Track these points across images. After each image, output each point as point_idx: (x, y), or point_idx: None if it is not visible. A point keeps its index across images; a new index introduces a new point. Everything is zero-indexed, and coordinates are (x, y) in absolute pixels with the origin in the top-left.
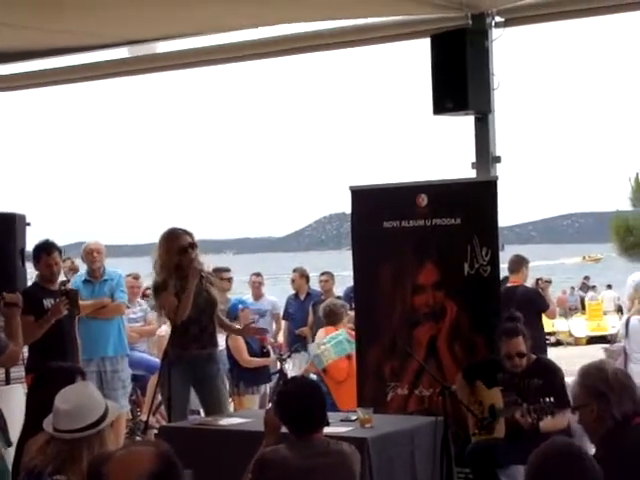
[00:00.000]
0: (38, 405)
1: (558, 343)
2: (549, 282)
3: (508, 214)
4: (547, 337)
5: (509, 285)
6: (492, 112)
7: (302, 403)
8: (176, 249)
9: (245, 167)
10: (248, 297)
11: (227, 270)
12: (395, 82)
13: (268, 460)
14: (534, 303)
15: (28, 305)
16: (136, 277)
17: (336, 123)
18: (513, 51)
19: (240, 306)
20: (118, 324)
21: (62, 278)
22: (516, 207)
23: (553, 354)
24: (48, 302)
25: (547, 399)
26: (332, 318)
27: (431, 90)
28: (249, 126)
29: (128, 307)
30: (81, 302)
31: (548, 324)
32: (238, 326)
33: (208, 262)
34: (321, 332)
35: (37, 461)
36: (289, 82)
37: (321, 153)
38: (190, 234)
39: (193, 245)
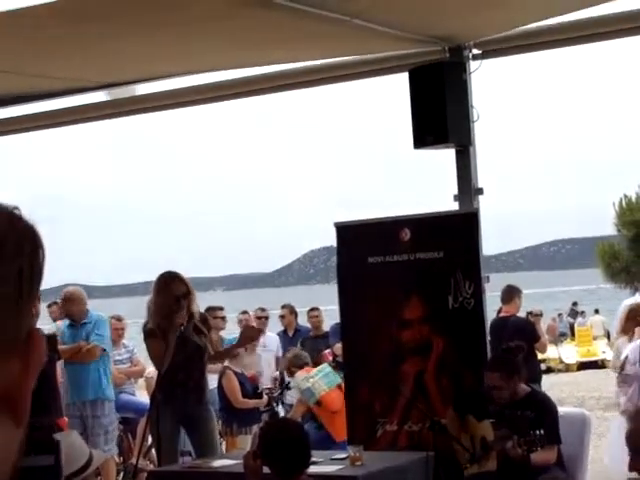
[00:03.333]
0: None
1: (549, 370)
2: (540, 315)
3: (495, 243)
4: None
5: (501, 315)
6: (473, 144)
7: (285, 445)
8: (169, 296)
9: (232, 202)
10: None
11: (220, 309)
12: (376, 117)
13: None
14: (526, 333)
15: None
16: (119, 319)
17: (318, 158)
18: (493, 82)
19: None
20: (98, 368)
21: (48, 325)
22: (502, 236)
23: (545, 381)
24: None
25: (538, 432)
26: (300, 362)
27: (411, 124)
28: (232, 161)
29: (104, 350)
30: (60, 347)
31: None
32: (227, 364)
33: (199, 301)
34: (301, 372)
35: None
36: (274, 118)
37: (306, 187)
38: (185, 281)
39: (186, 294)
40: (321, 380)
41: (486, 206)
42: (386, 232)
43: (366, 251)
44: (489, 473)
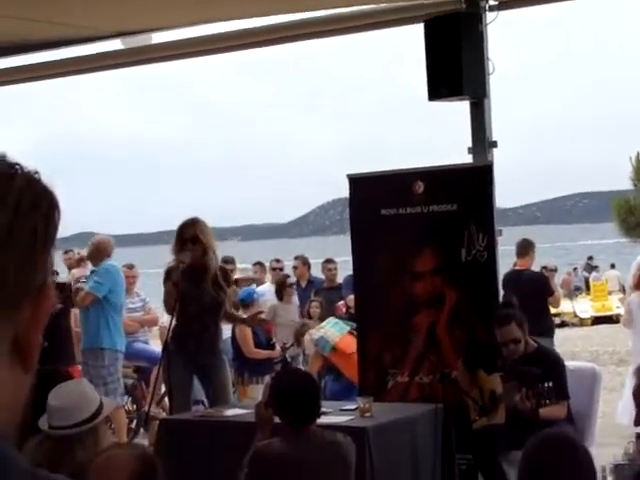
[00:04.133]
0: (28, 407)
1: (563, 324)
2: (554, 270)
3: (512, 196)
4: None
5: (515, 269)
6: (487, 97)
7: (296, 395)
8: (181, 240)
9: (248, 152)
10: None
11: (231, 262)
12: (390, 68)
13: (262, 454)
14: (540, 287)
15: None
16: (130, 267)
17: (334, 109)
18: (509, 34)
19: (255, 296)
20: (97, 316)
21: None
22: (520, 189)
23: (559, 335)
24: None
25: (547, 384)
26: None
27: (425, 76)
28: (252, 112)
29: (97, 297)
30: None
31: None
32: (244, 315)
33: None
34: (308, 339)
35: (32, 459)
36: (290, 68)
37: (321, 138)
38: (195, 226)
39: (195, 239)
40: (332, 328)
41: (502, 159)
42: (399, 184)
43: (379, 203)
44: (498, 426)
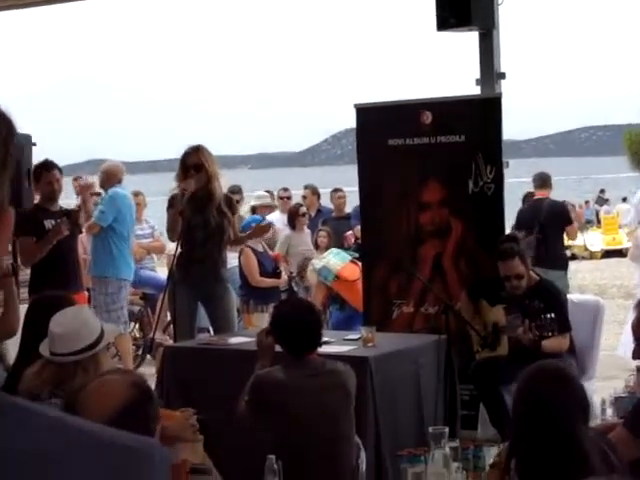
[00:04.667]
0: (30, 332)
1: (573, 257)
2: (572, 206)
3: (525, 128)
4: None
5: (537, 197)
6: (497, 28)
7: (297, 324)
8: (184, 167)
9: (260, 83)
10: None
11: (237, 191)
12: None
13: (263, 382)
14: (560, 216)
15: (29, 226)
16: (137, 194)
17: (344, 40)
18: None
19: (253, 224)
20: (99, 243)
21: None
22: (534, 121)
23: (569, 268)
24: (49, 223)
25: (549, 316)
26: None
27: (434, 5)
28: (263, 43)
29: (101, 226)
30: None
31: None
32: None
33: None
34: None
35: (33, 385)
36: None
37: (331, 70)
38: (199, 153)
39: (199, 167)
40: (334, 258)
41: (516, 91)
42: (407, 115)
43: (386, 133)
44: (500, 357)
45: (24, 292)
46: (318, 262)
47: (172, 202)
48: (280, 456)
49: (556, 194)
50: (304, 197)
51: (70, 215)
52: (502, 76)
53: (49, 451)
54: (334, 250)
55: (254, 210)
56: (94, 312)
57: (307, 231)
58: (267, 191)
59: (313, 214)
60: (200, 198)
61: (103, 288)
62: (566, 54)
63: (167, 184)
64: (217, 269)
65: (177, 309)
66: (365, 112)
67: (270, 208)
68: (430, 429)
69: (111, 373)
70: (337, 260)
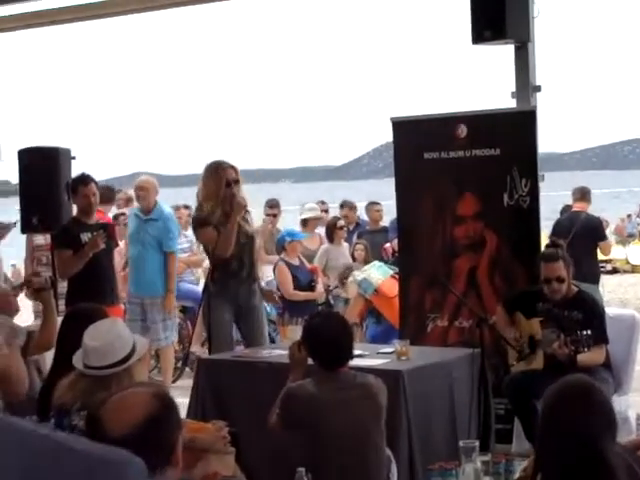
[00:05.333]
0: (65, 343)
1: (615, 271)
2: (607, 222)
3: (568, 141)
4: (603, 265)
5: (574, 210)
6: (532, 41)
7: (330, 337)
8: (224, 181)
9: (302, 97)
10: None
11: (276, 205)
12: (434, 12)
13: (295, 395)
14: (594, 231)
15: (66, 240)
16: (186, 207)
17: (382, 54)
18: None
19: (287, 238)
20: (155, 262)
21: (118, 211)
22: (576, 133)
23: (609, 282)
24: (85, 236)
25: (585, 332)
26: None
27: (470, 19)
28: (304, 57)
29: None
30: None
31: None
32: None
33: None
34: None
35: (66, 397)
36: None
37: (371, 84)
38: (235, 169)
39: (237, 181)
40: (376, 271)
41: (558, 103)
42: (442, 128)
43: (422, 147)
44: (535, 371)
45: (63, 304)
46: (359, 274)
47: (202, 220)
48: (310, 469)
49: (597, 207)
50: (345, 217)
51: (106, 228)
52: (538, 89)
53: (35, 467)
54: (377, 263)
55: (305, 223)
56: (151, 324)
57: (345, 244)
58: (320, 202)
59: (352, 227)
60: (230, 211)
61: (156, 302)
62: (608, 66)
63: None
64: (252, 281)
65: (214, 322)
66: (401, 126)
67: (321, 220)
68: (461, 443)
69: (134, 386)
70: (379, 274)
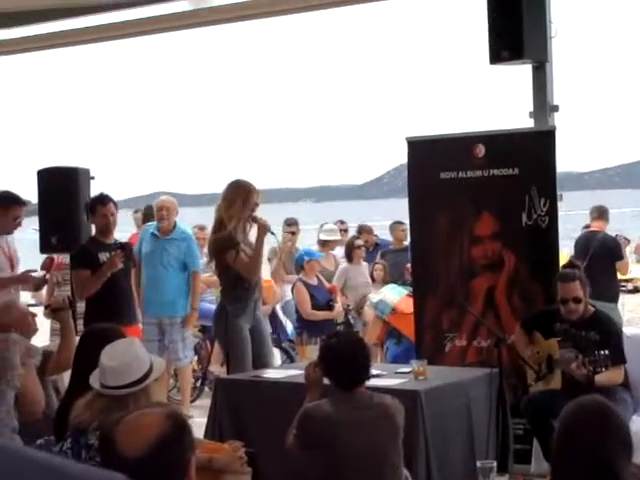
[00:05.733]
0: (82, 363)
1: (636, 290)
2: (627, 241)
3: (588, 160)
4: (624, 284)
5: (591, 229)
6: (550, 61)
7: (345, 357)
8: (252, 202)
9: (324, 115)
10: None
11: (294, 223)
12: (452, 32)
13: (311, 416)
14: (612, 251)
15: (84, 260)
16: (202, 228)
17: (402, 74)
18: None
19: (306, 258)
20: (177, 282)
21: (134, 230)
22: (596, 152)
23: (630, 301)
24: (103, 256)
25: (603, 352)
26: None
27: (487, 39)
28: (325, 76)
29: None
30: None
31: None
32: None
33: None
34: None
35: (83, 417)
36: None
37: (388, 104)
38: (257, 192)
39: (257, 205)
40: (391, 292)
41: (577, 122)
42: (459, 148)
43: (439, 166)
44: (553, 391)
45: (81, 324)
46: (375, 296)
47: (228, 242)
48: None
49: (618, 226)
50: (366, 242)
51: (124, 248)
52: (556, 109)
53: None
54: (390, 285)
55: (323, 244)
56: (169, 343)
57: (364, 264)
58: (339, 222)
59: (371, 248)
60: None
61: (176, 322)
62: (628, 84)
63: None
64: (259, 299)
65: (234, 342)
66: (417, 145)
67: (340, 241)
68: (478, 463)
69: (148, 406)
70: (394, 294)
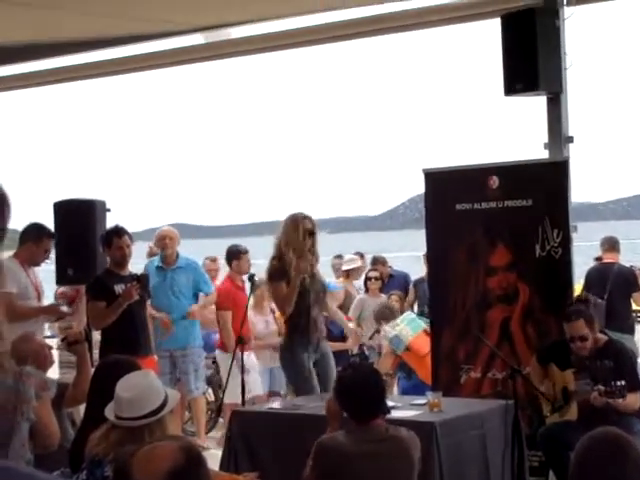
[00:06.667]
0: (97, 395)
1: None
2: None
3: (602, 190)
4: (638, 315)
5: (606, 261)
6: (564, 92)
7: (361, 390)
8: (306, 233)
9: (339, 146)
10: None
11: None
12: (466, 64)
13: (326, 446)
14: (628, 282)
15: (100, 291)
16: (213, 259)
17: (417, 106)
18: (588, 28)
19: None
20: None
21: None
22: (611, 183)
23: None
24: (119, 287)
25: (619, 382)
26: (386, 315)
27: (502, 71)
28: (335, 107)
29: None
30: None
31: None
32: None
33: None
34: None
35: (99, 449)
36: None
37: (403, 135)
38: (313, 220)
39: (313, 232)
40: (407, 327)
41: (593, 153)
42: (475, 179)
43: (454, 198)
44: (570, 422)
45: (97, 354)
46: (391, 330)
47: (279, 272)
48: None
49: (628, 257)
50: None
51: (140, 280)
52: (570, 140)
53: None
54: (409, 316)
55: (347, 275)
56: (182, 374)
57: (383, 296)
58: (338, 256)
59: (386, 280)
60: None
61: (193, 349)
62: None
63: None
64: (322, 332)
65: (297, 373)
66: (433, 177)
67: (362, 269)
68: None
69: (162, 439)
70: (410, 329)
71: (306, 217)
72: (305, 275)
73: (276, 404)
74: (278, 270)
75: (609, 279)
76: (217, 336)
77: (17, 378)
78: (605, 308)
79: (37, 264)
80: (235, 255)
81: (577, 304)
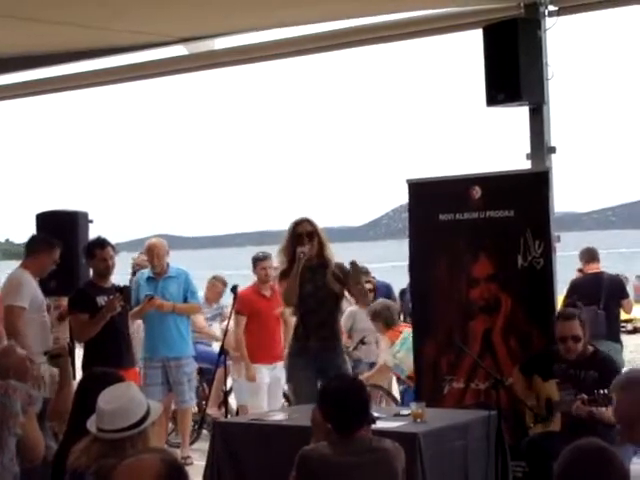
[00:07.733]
0: (79, 407)
1: (635, 330)
2: (626, 279)
3: (586, 200)
4: (624, 325)
5: (595, 272)
6: (547, 103)
7: (344, 401)
8: (294, 236)
9: (320, 157)
10: None
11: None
12: (448, 74)
13: (309, 457)
14: (619, 290)
15: (82, 303)
16: (224, 283)
17: (399, 117)
18: (569, 39)
19: None
20: (177, 325)
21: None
22: (594, 193)
23: (630, 342)
24: (101, 299)
25: (602, 391)
26: (389, 320)
27: (484, 82)
28: (321, 118)
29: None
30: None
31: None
32: None
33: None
34: (384, 341)
35: (81, 461)
36: (350, 74)
37: (386, 145)
38: (312, 223)
39: (311, 234)
40: (406, 353)
41: (576, 163)
42: (457, 190)
43: (437, 209)
44: (553, 433)
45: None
46: (391, 359)
47: (282, 274)
48: None
49: (607, 265)
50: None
51: (122, 291)
52: (553, 150)
53: None
54: (407, 338)
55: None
56: (176, 385)
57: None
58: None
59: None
60: (314, 267)
61: (185, 360)
62: (626, 124)
63: (230, 258)
64: (334, 339)
65: (295, 382)
66: (416, 187)
67: None
68: None
69: (144, 451)
70: (409, 356)
71: (299, 222)
72: (312, 280)
73: (258, 415)
74: (282, 272)
75: (602, 289)
76: (203, 347)
77: (3, 392)
78: (605, 318)
79: (44, 275)
80: (253, 262)
81: (568, 307)
